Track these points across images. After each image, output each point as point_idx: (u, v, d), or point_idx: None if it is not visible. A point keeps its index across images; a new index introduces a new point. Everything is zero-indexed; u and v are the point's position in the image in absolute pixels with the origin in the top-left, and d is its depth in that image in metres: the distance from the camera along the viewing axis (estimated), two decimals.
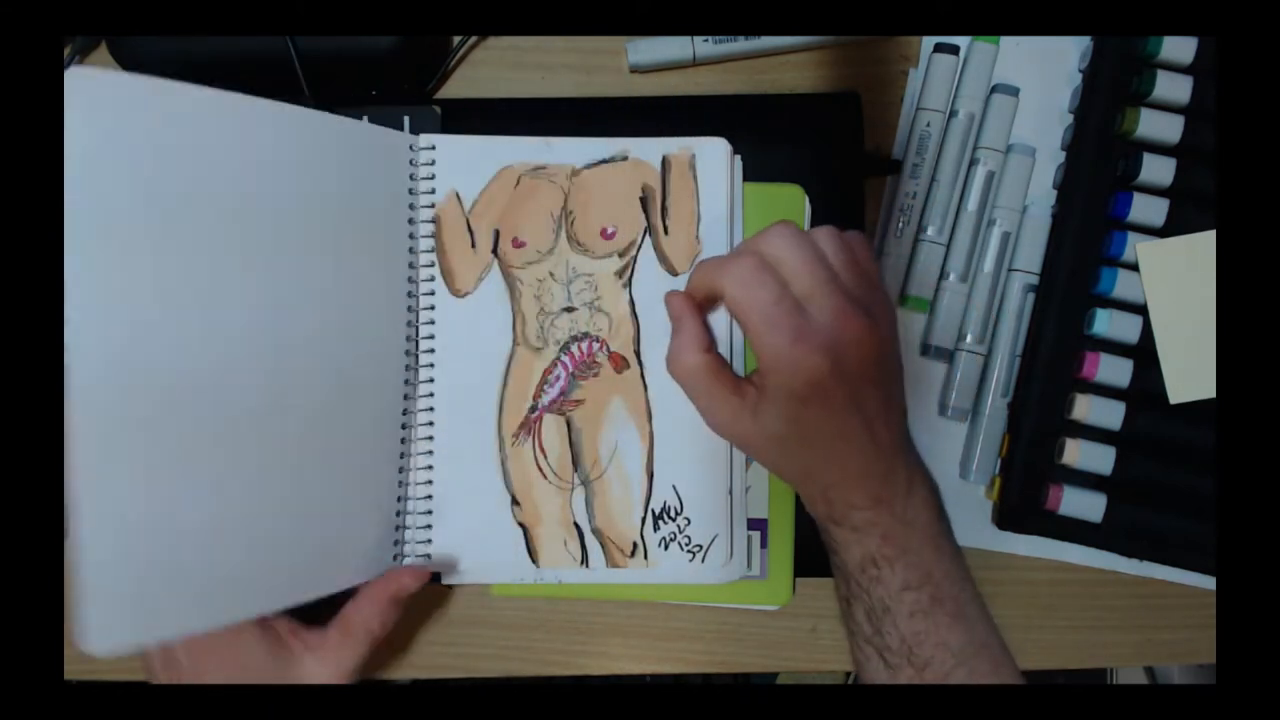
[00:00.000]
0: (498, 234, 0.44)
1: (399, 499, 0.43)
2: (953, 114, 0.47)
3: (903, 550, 0.36)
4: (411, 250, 0.44)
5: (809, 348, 0.33)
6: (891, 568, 0.36)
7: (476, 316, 0.44)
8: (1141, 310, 0.44)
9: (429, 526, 0.43)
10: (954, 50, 0.47)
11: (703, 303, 0.38)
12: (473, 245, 0.44)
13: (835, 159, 0.46)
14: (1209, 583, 0.46)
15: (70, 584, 0.32)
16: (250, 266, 0.37)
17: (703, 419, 0.38)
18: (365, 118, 0.46)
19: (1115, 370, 0.44)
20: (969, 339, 0.46)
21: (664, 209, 0.44)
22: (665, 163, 0.44)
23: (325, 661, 0.39)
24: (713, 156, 0.44)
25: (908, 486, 0.37)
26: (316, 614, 0.40)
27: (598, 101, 0.47)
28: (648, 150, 0.44)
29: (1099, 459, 0.44)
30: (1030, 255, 0.46)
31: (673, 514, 0.44)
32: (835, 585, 0.40)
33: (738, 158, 0.45)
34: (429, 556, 0.43)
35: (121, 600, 0.33)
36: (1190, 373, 0.44)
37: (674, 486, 0.43)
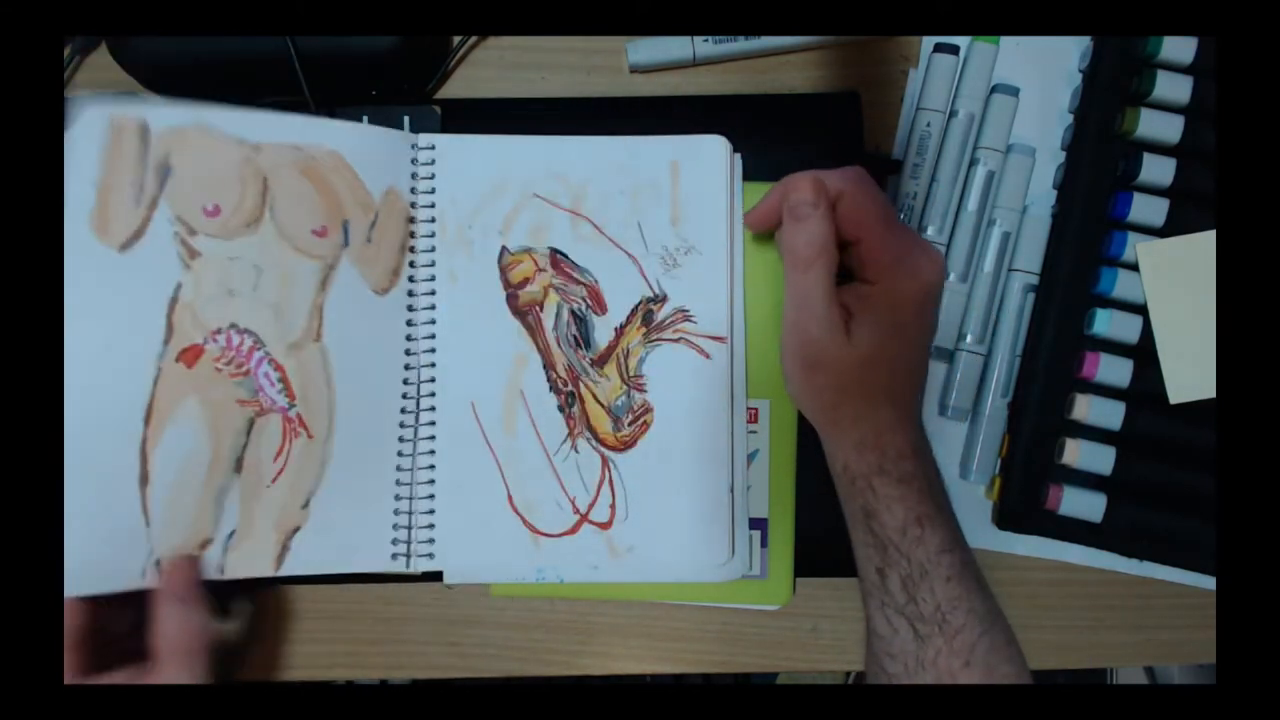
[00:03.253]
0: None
1: (399, 499, 0.43)
2: (953, 114, 0.47)
3: (938, 508, 0.38)
4: (412, 249, 0.44)
5: (934, 256, 0.36)
6: (933, 527, 0.37)
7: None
8: (1141, 310, 0.44)
9: (431, 526, 0.43)
10: (954, 50, 0.47)
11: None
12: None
13: (835, 159, 0.46)
14: (1209, 583, 0.46)
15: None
16: None
17: (790, 327, 0.38)
18: (365, 118, 0.46)
19: (1115, 370, 0.44)
20: (969, 339, 0.46)
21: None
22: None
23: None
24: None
25: (928, 448, 0.39)
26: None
27: (598, 101, 0.47)
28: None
29: (1099, 459, 0.44)
30: (1030, 255, 0.46)
31: None
32: (863, 563, 0.39)
33: (738, 157, 0.45)
34: (431, 556, 0.43)
35: None
36: (1190, 373, 0.44)
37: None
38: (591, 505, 0.44)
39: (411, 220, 0.44)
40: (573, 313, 0.44)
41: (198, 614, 0.38)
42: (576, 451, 0.44)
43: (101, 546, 0.38)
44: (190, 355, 0.39)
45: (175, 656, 0.37)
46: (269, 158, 0.41)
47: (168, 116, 0.40)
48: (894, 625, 0.38)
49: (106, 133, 0.39)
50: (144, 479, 0.39)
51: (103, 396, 0.38)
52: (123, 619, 0.39)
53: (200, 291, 0.40)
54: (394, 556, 0.43)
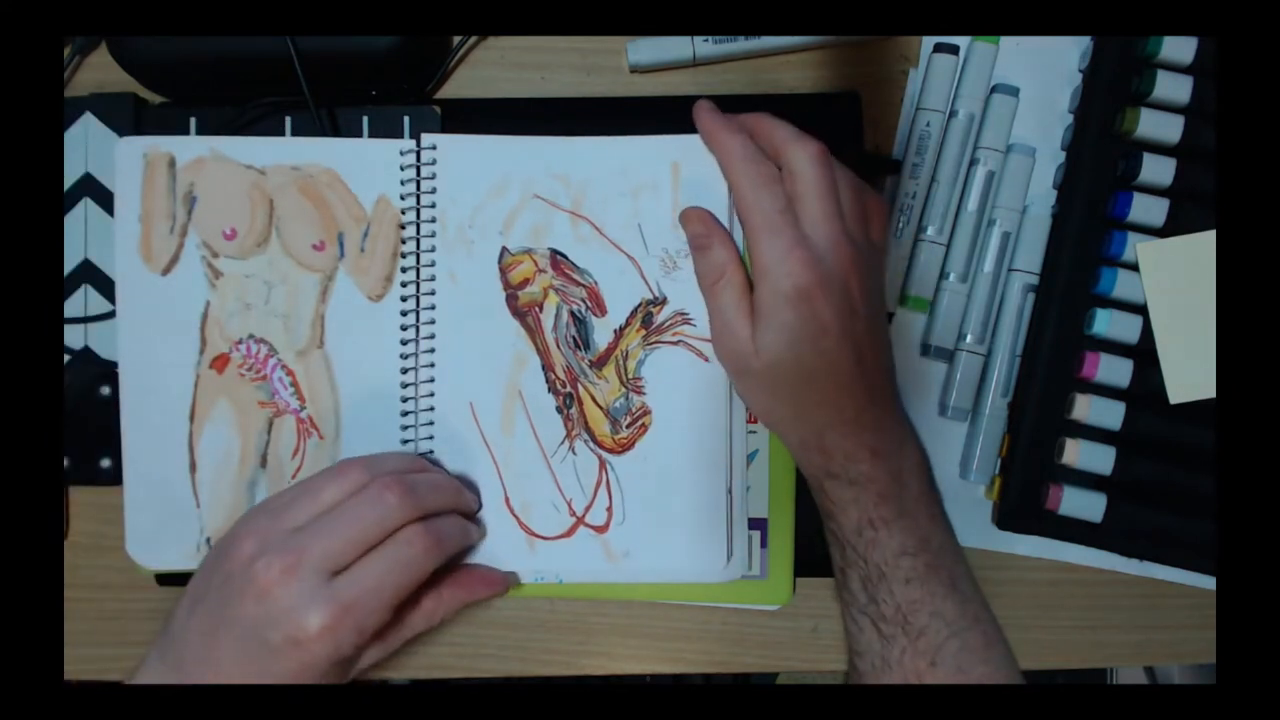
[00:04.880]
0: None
1: None
2: (953, 114, 0.47)
3: (899, 513, 0.37)
4: (413, 251, 0.44)
5: (802, 255, 0.36)
6: (889, 530, 0.37)
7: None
8: (1141, 310, 0.44)
9: None
10: (954, 50, 0.47)
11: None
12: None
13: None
14: (1209, 583, 0.46)
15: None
16: None
17: (714, 342, 0.41)
18: (365, 118, 0.46)
19: (1115, 370, 0.44)
20: (969, 339, 0.46)
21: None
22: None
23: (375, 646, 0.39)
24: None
25: (900, 444, 0.39)
26: None
27: (598, 101, 0.47)
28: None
29: (1099, 459, 0.44)
30: (1030, 255, 0.46)
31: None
32: (831, 557, 0.40)
33: None
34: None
35: None
36: (1190, 373, 0.44)
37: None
38: (588, 508, 0.44)
39: (403, 227, 0.44)
40: (572, 314, 0.44)
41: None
42: (574, 453, 0.44)
43: (162, 525, 0.44)
44: (220, 363, 0.44)
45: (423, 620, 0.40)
46: (273, 180, 0.44)
47: (188, 148, 0.44)
48: (859, 624, 0.38)
49: (143, 169, 0.44)
50: (192, 467, 0.44)
51: (157, 398, 0.44)
52: None
53: (224, 307, 0.44)
54: None
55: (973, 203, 0.46)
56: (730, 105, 0.46)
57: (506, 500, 0.44)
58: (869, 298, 0.38)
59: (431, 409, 0.44)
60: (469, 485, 0.43)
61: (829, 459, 0.38)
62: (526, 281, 0.44)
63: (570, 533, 0.44)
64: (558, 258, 0.44)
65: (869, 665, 0.38)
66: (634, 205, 0.44)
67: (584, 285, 0.44)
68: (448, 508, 0.40)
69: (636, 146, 0.44)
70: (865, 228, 0.39)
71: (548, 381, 0.44)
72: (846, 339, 0.37)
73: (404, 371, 0.44)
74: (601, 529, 0.44)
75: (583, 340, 0.44)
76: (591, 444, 0.44)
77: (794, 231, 0.36)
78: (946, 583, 0.37)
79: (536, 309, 0.44)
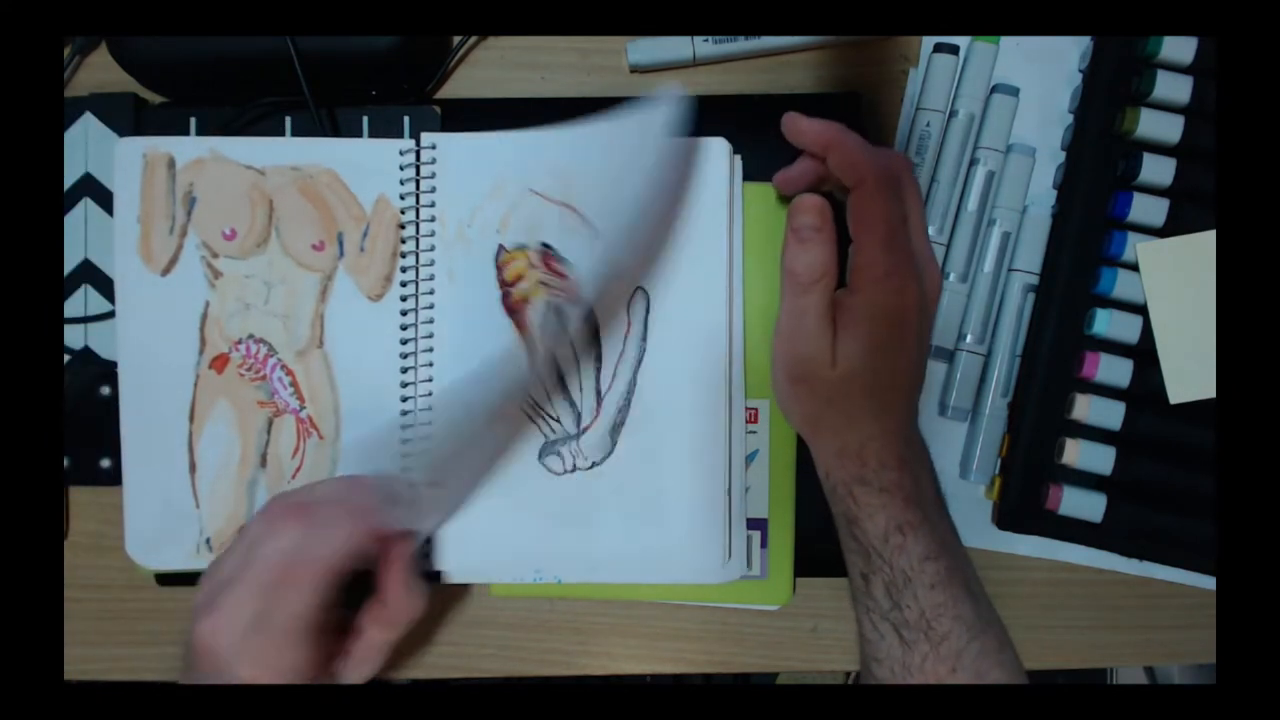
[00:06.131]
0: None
1: None
2: (953, 114, 0.47)
3: (923, 518, 0.37)
4: (413, 250, 0.44)
5: (913, 275, 0.36)
6: (915, 535, 0.37)
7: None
8: (1141, 310, 0.44)
9: None
10: (954, 50, 0.47)
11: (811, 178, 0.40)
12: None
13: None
14: (1209, 583, 0.46)
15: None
16: None
17: (780, 342, 0.39)
18: (365, 118, 0.46)
19: (1115, 370, 0.44)
20: (969, 339, 0.46)
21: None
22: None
23: (385, 626, 0.39)
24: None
25: (920, 451, 0.39)
26: None
27: (598, 101, 0.47)
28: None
29: (1099, 459, 0.44)
30: (1030, 255, 0.46)
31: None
32: (850, 567, 0.40)
33: (738, 158, 0.45)
34: (429, 556, 0.43)
35: None
36: (1190, 373, 0.44)
37: None
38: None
39: (402, 227, 0.44)
40: (557, 308, 0.44)
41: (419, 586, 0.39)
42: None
43: (162, 525, 0.44)
44: (219, 363, 0.44)
45: (387, 628, 0.38)
46: (273, 180, 0.44)
47: (187, 148, 0.44)
48: (880, 630, 0.38)
49: (142, 169, 0.44)
50: (192, 467, 0.44)
51: (155, 397, 0.44)
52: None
53: (223, 307, 0.44)
54: None
55: (973, 203, 0.46)
56: (730, 105, 0.46)
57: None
58: (932, 323, 0.39)
59: (430, 409, 0.44)
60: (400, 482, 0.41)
61: (864, 466, 0.38)
62: (520, 278, 0.44)
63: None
64: (549, 253, 0.44)
65: (888, 672, 0.37)
66: (622, 188, 0.43)
67: (567, 277, 0.44)
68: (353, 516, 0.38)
69: (624, 125, 0.42)
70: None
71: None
72: (919, 359, 0.38)
73: (403, 371, 0.44)
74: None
75: (563, 334, 0.44)
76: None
77: (908, 248, 0.37)
78: (963, 586, 0.37)
79: (525, 305, 0.44)
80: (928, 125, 0.46)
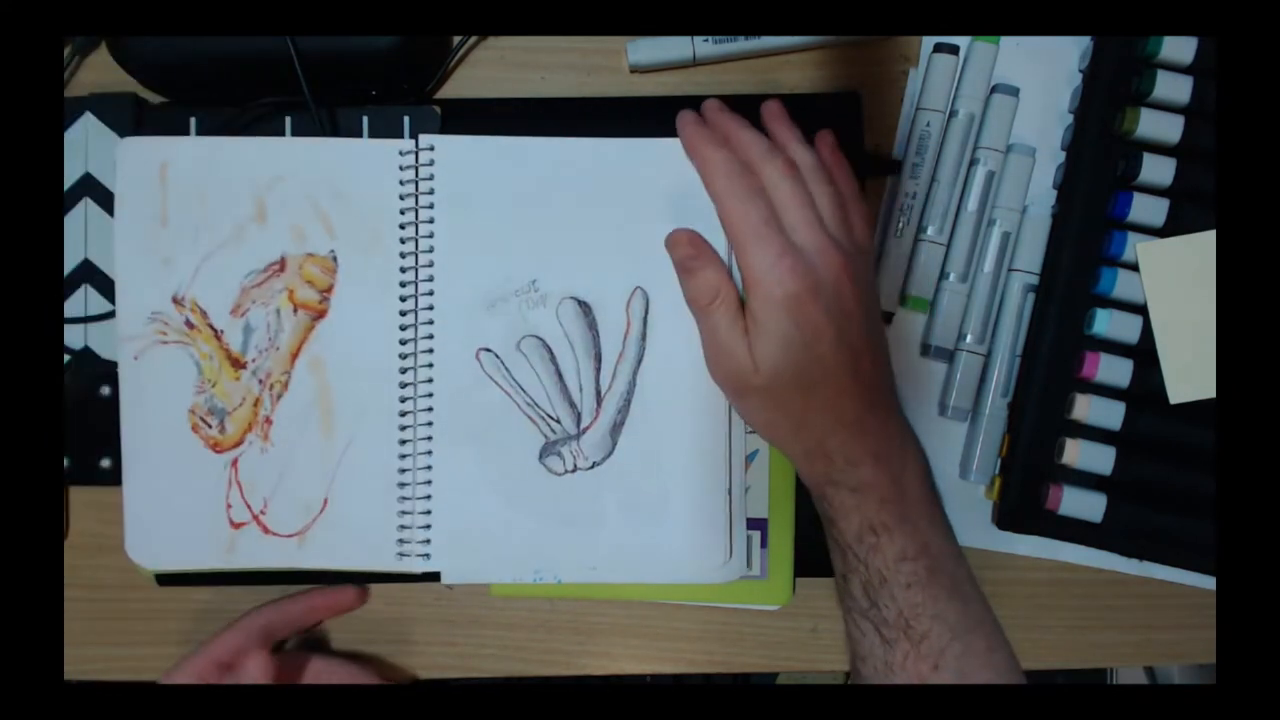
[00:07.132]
0: None
1: (404, 499, 0.43)
2: (953, 114, 0.47)
3: (900, 519, 0.37)
4: (412, 251, 0.44)
5: (791, 263, 0.36)
6: (890, 536, 0.37)
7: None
8: (1141, 310, 0.44)
9: (428, 526, 0.43)
10: (954, 50, 0.47)
11: None
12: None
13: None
14: (1209, 583, 0.46)
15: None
16: None
17: (710, 364, 0.40)
18: (365, 118, 0.46)
19: (1115, 370, 0.44)
20: (969, 339, 0.46)
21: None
22: None
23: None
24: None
25: (900, 448, 0.39)
26: None
27: (598, 101, 0.47)
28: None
29: (1099, 459, 0.44)
30: (1030, 255, 0.46)
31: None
32: (833, 563, 0.40)
33: None
34: (428, 556, 0.43)
35: None
36: (1190, 373, 0.44)
37: None
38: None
39: (403, 227, 0.44)
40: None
41: None
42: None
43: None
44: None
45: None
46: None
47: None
48: (861, 629, 0.38)
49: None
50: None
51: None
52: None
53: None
54: (399, 556, 0.43)
55: (973, 203, 0.46)
56: (730, 105, 0.46)
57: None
58: (862, 301, 0.38)
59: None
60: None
61: (831, 465, 0.38)
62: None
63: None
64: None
65: (872, 670, 0.38)
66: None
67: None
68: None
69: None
70: (849, 232, 0.39)
71: None
72: (843, 343, 0.37)
73: (403, 371, 0.44)
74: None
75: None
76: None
77: (781, 240, 0.37)
78: (948, 587, 0.37)
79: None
80: (928, 125, 0.46)
